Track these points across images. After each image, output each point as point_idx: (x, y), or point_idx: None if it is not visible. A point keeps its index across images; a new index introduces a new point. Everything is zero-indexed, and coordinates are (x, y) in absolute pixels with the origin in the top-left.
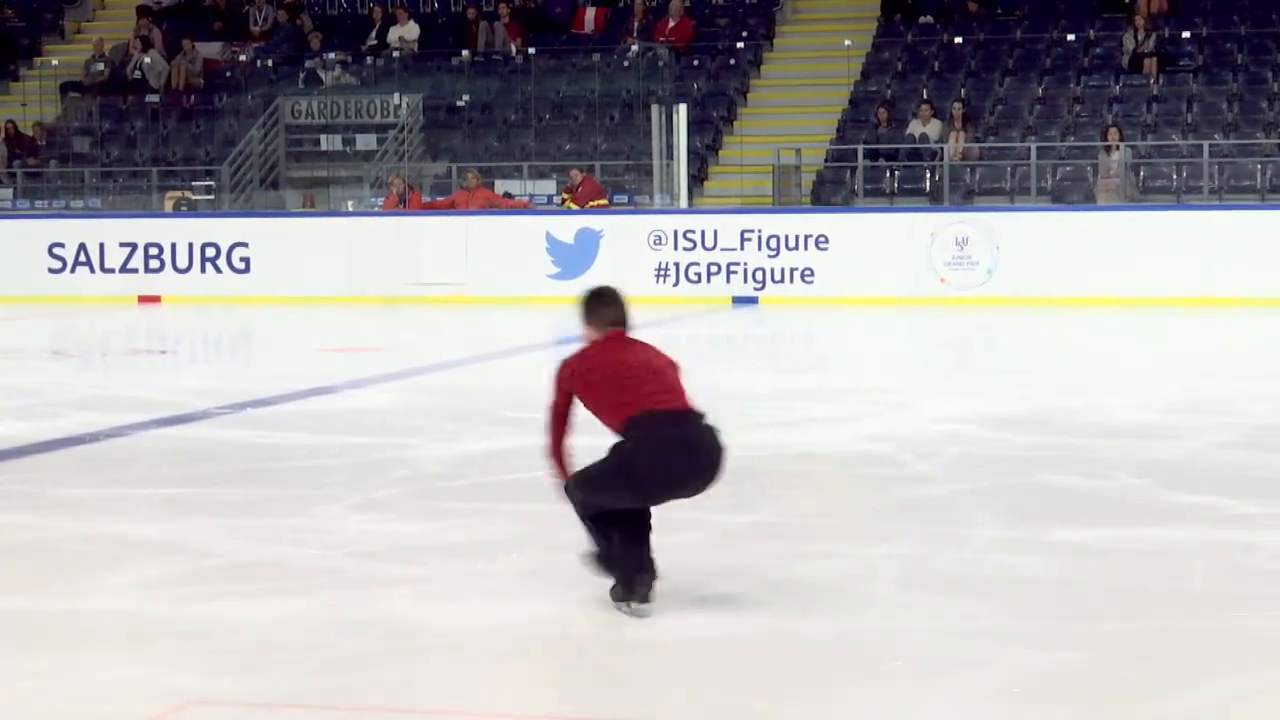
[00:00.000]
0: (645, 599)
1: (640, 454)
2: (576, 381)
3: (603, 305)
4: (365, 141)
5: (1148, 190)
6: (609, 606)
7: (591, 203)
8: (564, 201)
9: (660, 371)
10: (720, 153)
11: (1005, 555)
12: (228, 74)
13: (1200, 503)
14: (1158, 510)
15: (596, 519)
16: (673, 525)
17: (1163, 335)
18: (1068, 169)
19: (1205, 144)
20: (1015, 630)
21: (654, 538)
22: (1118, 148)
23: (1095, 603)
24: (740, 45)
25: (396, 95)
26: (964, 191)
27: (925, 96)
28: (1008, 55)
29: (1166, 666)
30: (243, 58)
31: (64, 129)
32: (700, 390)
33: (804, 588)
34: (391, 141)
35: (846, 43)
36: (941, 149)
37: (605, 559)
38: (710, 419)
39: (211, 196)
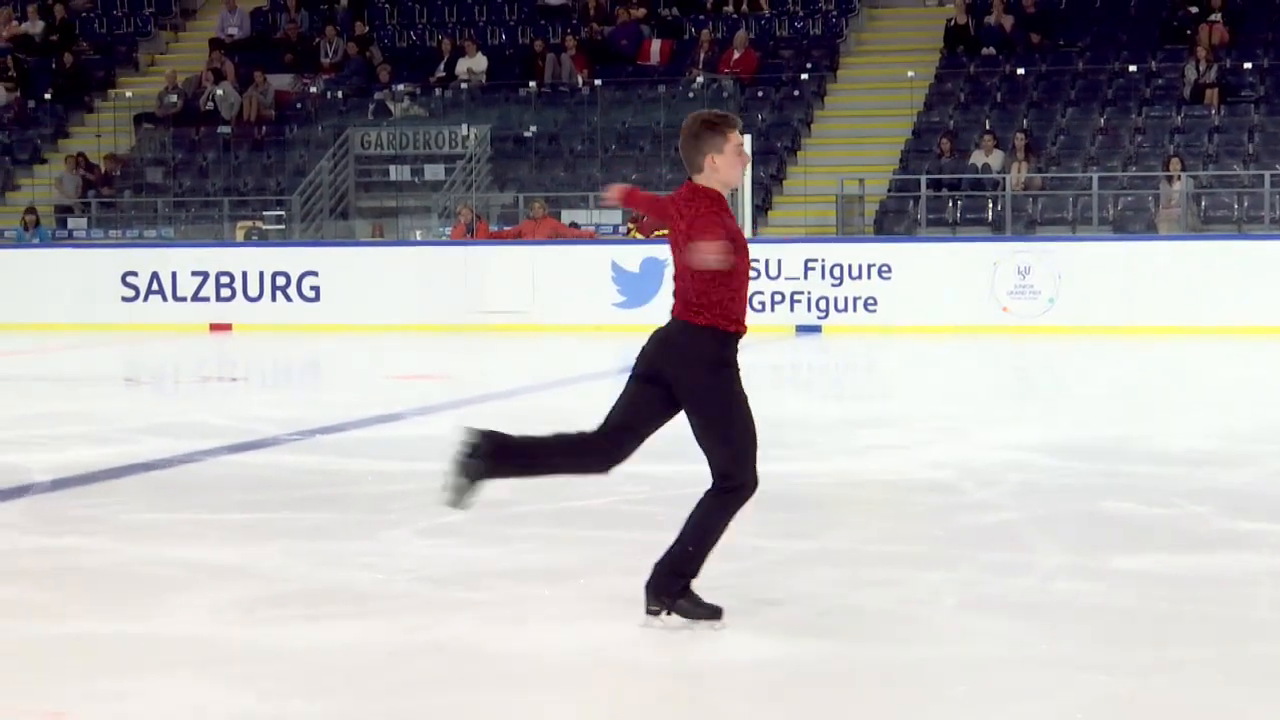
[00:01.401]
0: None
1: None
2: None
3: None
4: (433, 172)
5: (1209, 220)
6: (674, 631)
7: (656, 232)
8: (629, 231)
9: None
10: (784, 182)
11: (1067, 582)
12: (298, 105)
13: (1263, 530)
14: (1220, 537)
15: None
16: (734, 552)
17: (1225, 364)
18: (1129, 199)
19: (1266, 174)
20: (1078, 657)
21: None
22: (1179, 178)
23: (1159, 630)
24: (804, 76)
25: (464, 126)
26: (1026, 221)
27: (988, 127)
28: (1070, 86)
29: (1231, 694)
30: (313, 89)
31: (137, 159)
32: (764, 418)
33: (866, 614)
34: (459, 172)
35: (910, 74)
36: (1004, 179)
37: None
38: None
39: (282, 226)
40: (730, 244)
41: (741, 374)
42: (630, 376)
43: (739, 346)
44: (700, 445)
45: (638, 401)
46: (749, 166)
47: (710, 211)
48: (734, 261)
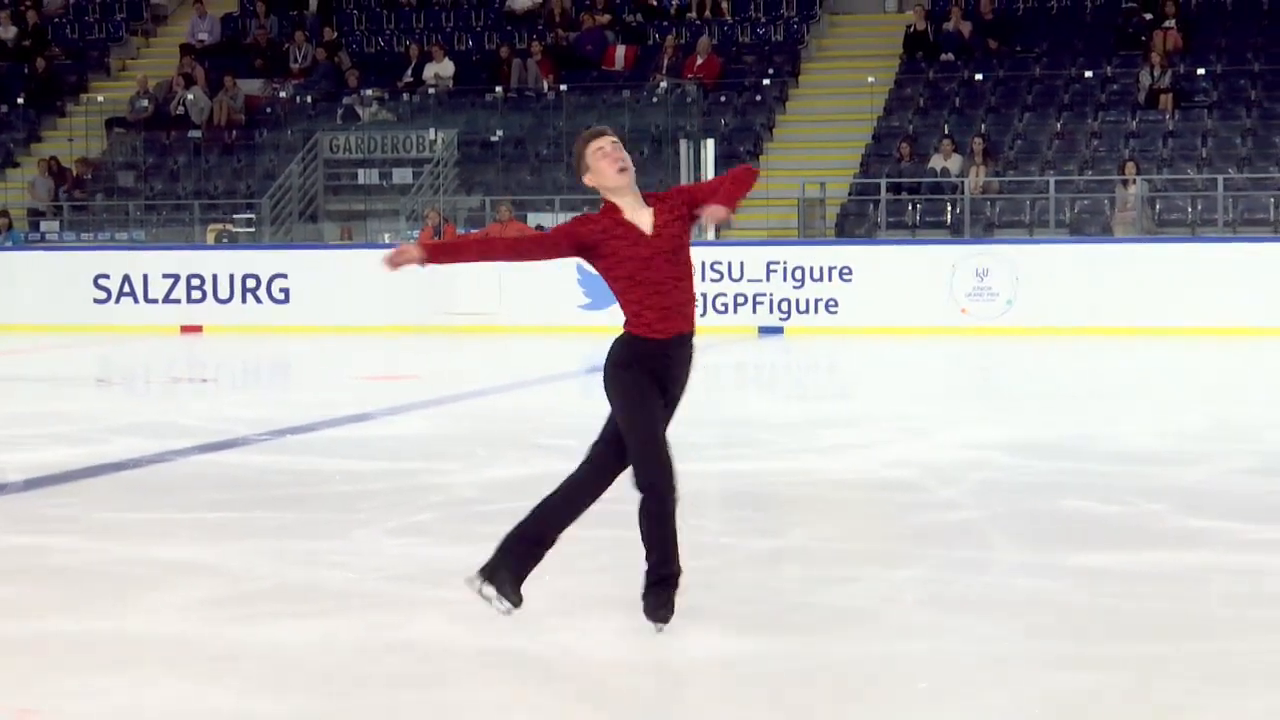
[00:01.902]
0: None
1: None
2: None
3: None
4: (401, 175)
5: (1164, 223)
6: (641, 630)
7: None
8: None
9: None
10: None
11: (1027, 579)
12: (268, 110)
13: (1217, 527)
14: (1176, 535)
15: None
16: (701, 550)
17: (1179, 364)
18: (1086, 202)
19: (1220, 178)
20: (1038, 652)
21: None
22: (1134, 181)
23: (1117, 626)
24: (766, 82)
25: (432, 131)
26: (984, 224)
27: (946, 132)
28: (1027, 91)
29: (1188, 689)
30: (283, 94)
31: (109, 163)
32: (728, 418)
33: (829, 611)
34: (427, 176)
35: (870, 79)
36: (962, 183)
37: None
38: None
39: (252, 229)
40: (551, 241)
41: (649, 378)
42: None
43: (668, 350)
44: None
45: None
46: (712, 170)
47: (575, 219)
48: (422, 257)
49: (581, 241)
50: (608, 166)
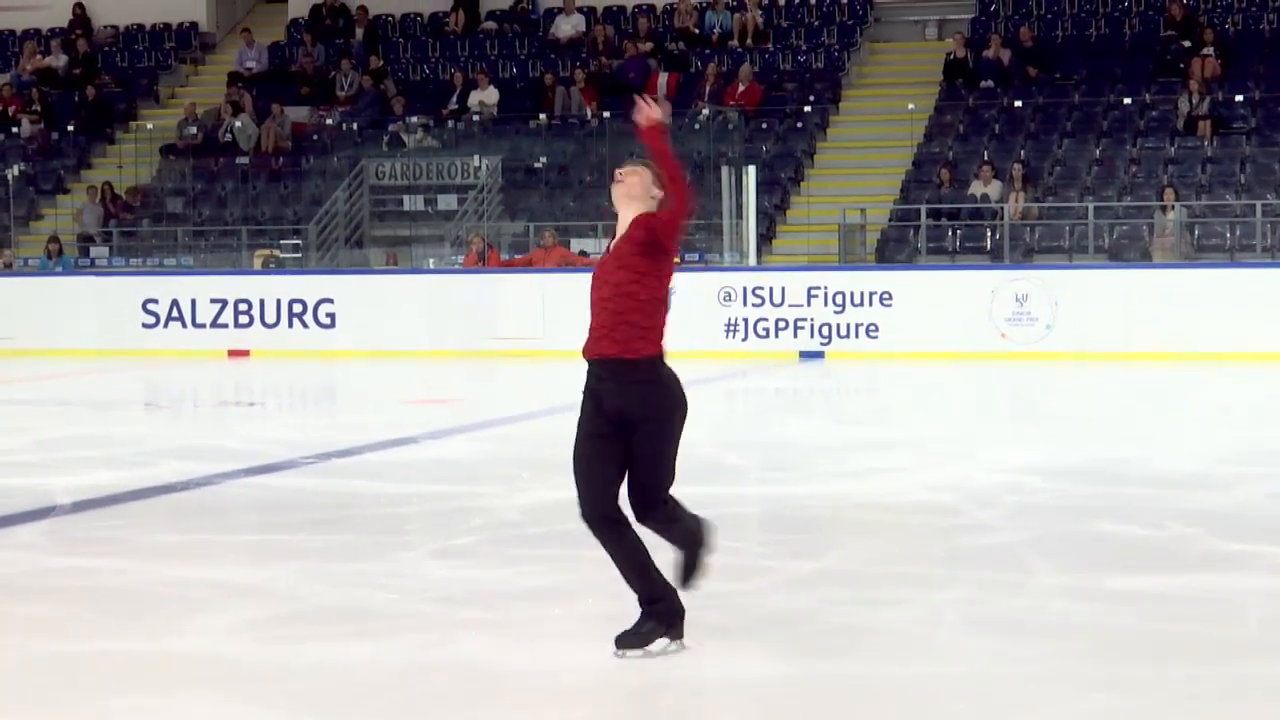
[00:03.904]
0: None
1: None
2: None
3: None
4: (446, 201)
5: (1202, 249)
6: (681, 653)
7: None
8: None
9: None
10: (788, 212)
11: (1064, 602)
12: (315, 137)
13: (1253, 551)
14: (1212, 558)
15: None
16: (739, 572)
17: (1216, 389)
18: (1124, 228)
19: (1258, 204)
20: (1075, 675)
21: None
22: (1173, 207)
23: (1153, 648)
24: (807, 109)
25: (476, 157)
26: (1024, 250)
27: (986, 158)
28: (1066, 118)
29: (1224, 711)
30: (329, 121)
31: (158, 189)
32: (768, 442)
33: (868, 633)
34: (471, 202)
35: (910, 106)
36: (1002, 209)
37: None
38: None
39: (299, 254)
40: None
41: (589, 402)
42: None
43: (595, 374)
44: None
45: None
46: (753, 196)
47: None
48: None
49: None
50: (616, 191)
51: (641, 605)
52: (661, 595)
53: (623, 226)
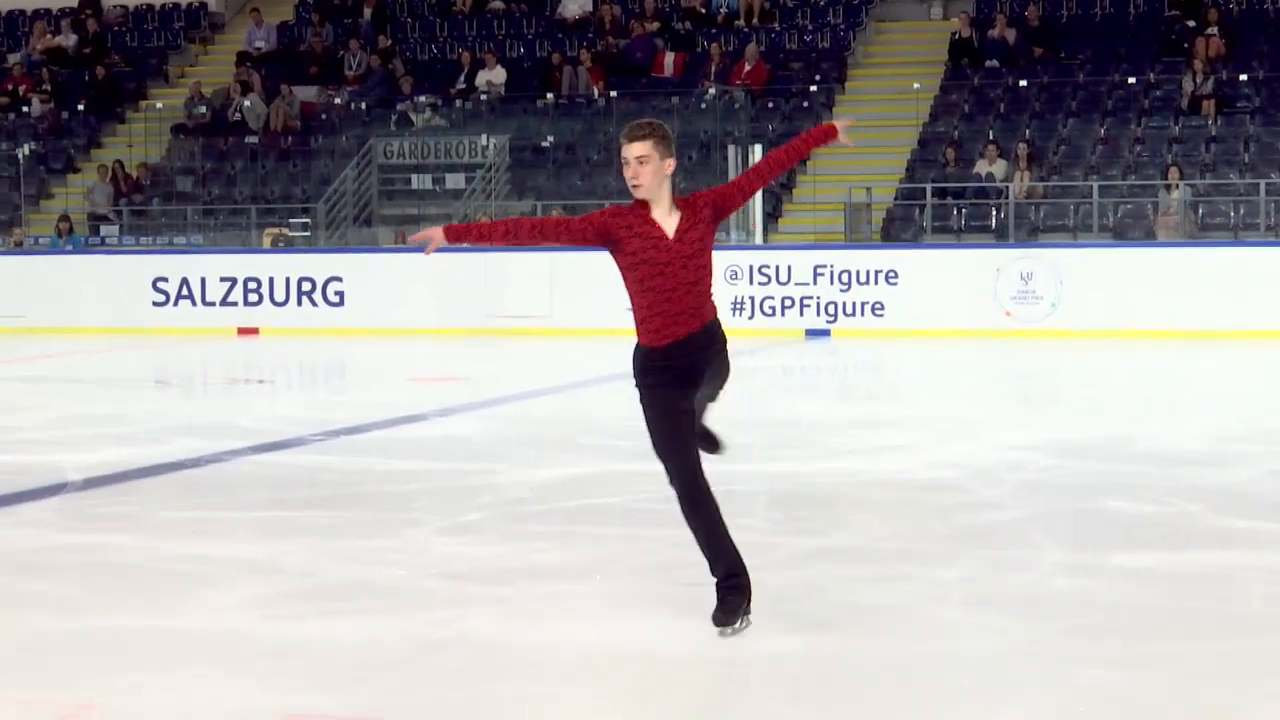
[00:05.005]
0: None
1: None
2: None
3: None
4: (454, 180)
5: (1206, 227)
6: (685, 628)
7: None
8: None
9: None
10: (794, 191)
11: (1069, 578)
12: (323, 116)
13: (1258, 528)
14: (1216, 535)
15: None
16: (747, 549)
17: (1221, 367)
18: (1129, 207)
19: (1262, 182)
20: (1081, 651)
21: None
22: (1177, 186)
23: (1158, 625)
24: (813, 88)
25: (484, 136)
26: (1029, 228)
27: (991, 137)
28: (1071, 97)
29: (1230, 687)
30: (337, 101)
31: (168, 169)
32: (775, 419)
33: (875, 610)
34: (479, 180)
35: (915, 86)
36: (1007, 188)
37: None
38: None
39: (308, 233)
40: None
41: (676, 381)
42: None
43: (691, 346)
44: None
45: None
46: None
47: (608, 209)
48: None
49: (607, 233)
50: (628, 179)
51: (721, 579)
52: (743, 568)
53: (662, 207)
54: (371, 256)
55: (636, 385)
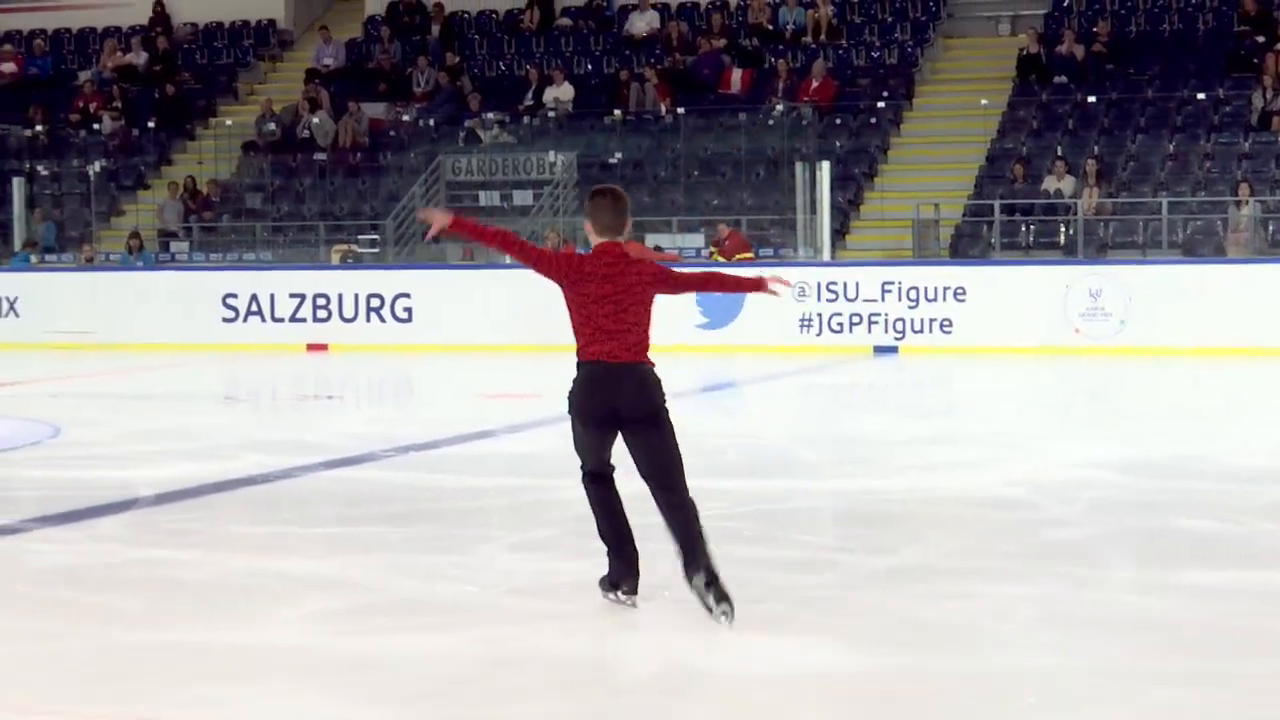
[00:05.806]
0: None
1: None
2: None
3: (597, 209)
4: (522, 197)
5: (1276, 244)
6: (754, 644)
7: (738, 256)
8: (712, 254)
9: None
10: (862, 207)
11: (1139, 596)
12: (391, 133)
13: None
14: None
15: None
16: (815, 566)
17: None
18: (1198, 223)
19: None
20: (1149, 670)
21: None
22: (1247, 202)
23: (1229, 644)
24: (881, 105)
25: (552, 153)
26: (1097, 245)
27: (1059, 153)
28: (1139, 113)
29: None
30: (406, 118)
31: (237, 185)
32: (842, 436)
33: (941, 627)
34: (547, 197)
35: (983, 102)
36: (1075, 204)
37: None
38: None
39: (376, 249)
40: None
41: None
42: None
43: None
44: (662, 461)
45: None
46: (827, 192)
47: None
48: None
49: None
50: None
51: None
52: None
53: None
54: (440, 273)
55: (664, 404)
